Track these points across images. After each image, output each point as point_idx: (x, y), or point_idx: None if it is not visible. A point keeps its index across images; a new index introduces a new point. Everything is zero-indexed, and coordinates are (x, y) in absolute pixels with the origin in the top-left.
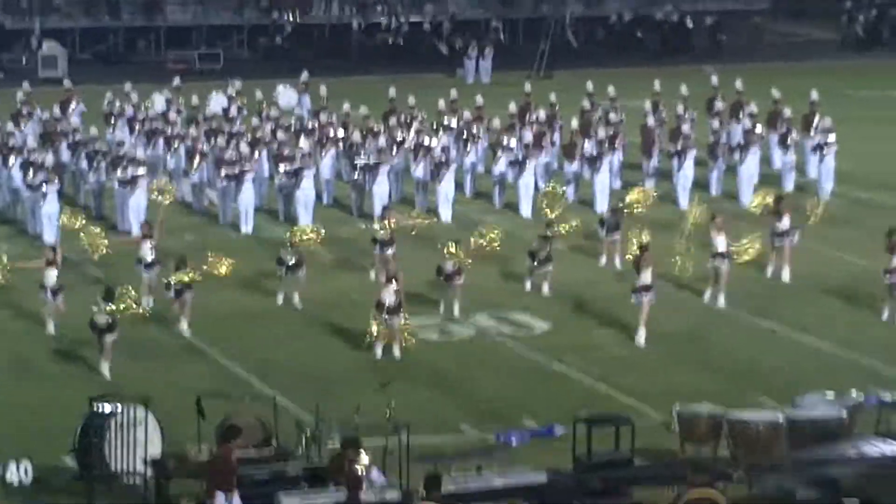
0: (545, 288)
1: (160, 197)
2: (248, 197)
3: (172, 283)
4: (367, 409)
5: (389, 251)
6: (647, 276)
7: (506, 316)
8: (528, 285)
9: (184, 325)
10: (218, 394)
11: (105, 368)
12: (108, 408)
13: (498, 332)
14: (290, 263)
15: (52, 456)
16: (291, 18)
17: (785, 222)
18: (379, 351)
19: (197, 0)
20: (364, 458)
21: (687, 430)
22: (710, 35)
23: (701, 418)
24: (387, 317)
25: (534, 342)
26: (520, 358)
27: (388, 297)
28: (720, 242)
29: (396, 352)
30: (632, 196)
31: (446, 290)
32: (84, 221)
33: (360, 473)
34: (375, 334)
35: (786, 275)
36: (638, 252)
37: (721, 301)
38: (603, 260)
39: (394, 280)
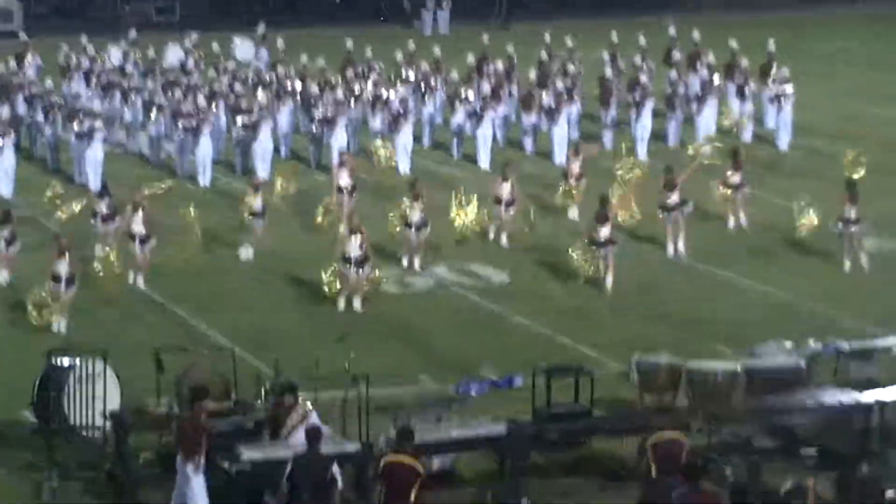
0: (503, 239)
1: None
2: (205, 149)
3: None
4: (325, 361)
5: (351, 201)
6: (607, 230)
7: (464, 267)
8: (491, 233)
9: (139, 279)
10: (176, 347)
11: (62, 324)
12: (66, 361)
13: (457, 283)
14: (258, 212)
15: (11, 410)
16: None
17: (737, 175)
18: (342, 303)
19: None
20: (305, 405)
21: (646, 381)
22: None
23: (660, 368)
24: (354, 269)
25: (493, 293)
26: (479, 309)
27: (353, 249)
28: (672, 195)
29: (357, 304)
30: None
31: (409, 241)
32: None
33: (312, 422)
34: (339, 286)
35: (743, 220)
36: (600, 204)
37: (681, 248)
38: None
39: (359, 232)
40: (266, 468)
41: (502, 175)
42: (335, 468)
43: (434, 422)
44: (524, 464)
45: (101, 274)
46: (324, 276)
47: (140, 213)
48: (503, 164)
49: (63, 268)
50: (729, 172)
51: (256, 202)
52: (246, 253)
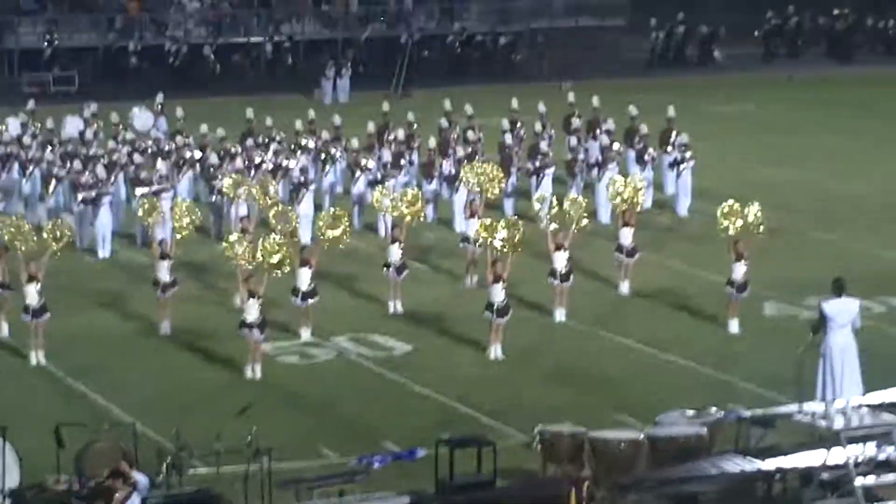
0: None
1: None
2: (105, 220)
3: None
4: (227, 434)
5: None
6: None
7: (365, 338)
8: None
9: (39, 355)
10: (76, 422)
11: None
12: None
13: (359, 353)
14: (167, 282)
15: None
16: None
17: (627, 236)
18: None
19: (50, 21)
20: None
21: (549, 450)
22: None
23: (563, 438)
24: (255, 333)
25: (394, 363)
26: (381, 379)
27: (252, 314)
28: (559, 258)
29: (256, 373)
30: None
31: (300, 311)
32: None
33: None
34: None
35: (624, 288)
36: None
37: (562, 315)
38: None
39: (257, 296)
40: None
41: (391, 238)
42: None
43: (337, 496)
44: None
45: None
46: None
47: (34, 285)
48: (392, 226)
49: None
50: (624, 237)
51: (163, 272)
52: (164, 328)
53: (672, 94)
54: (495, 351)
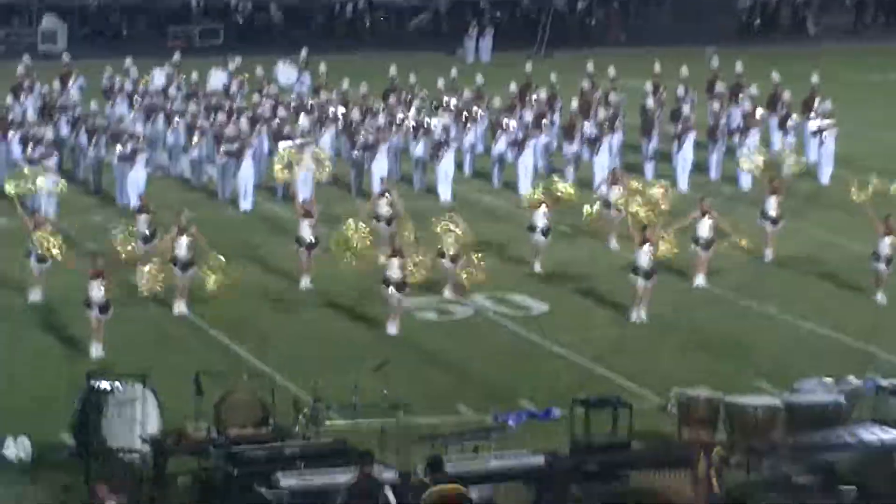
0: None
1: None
2: (247, 173)
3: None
4: (364, 388)
5: (391, 225)
6: (646, 259)
7: (504, 297)
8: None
9: (181, 305)
10: (216, 371)
11: (97, 348)
12: (105, 384)
13: (496, 311)
14: (310, 242)
15: (51, 433)
16: None
17: (774, 204)
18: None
19: None
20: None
21: (685, 415)
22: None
23: (699, 402)
24: (394, 292)
25: (532, 323)
26: (518, 339)
27: (394, 273)
28: (704, 226)
29: (393, 329)
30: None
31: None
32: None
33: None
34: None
35: (768, 255)
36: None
37: (701, 280)
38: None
39: (399, 255)
40: (303, 496)
41: (537, 202)
42: (388, 493)
43: (472, 453)
44: (563, 496)
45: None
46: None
47: (184, 238)
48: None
49: (96, 293)
50: (769, 204)
51: (306, 231)
52: (304, 283)
53: (816, 61)
54: (638, 313)
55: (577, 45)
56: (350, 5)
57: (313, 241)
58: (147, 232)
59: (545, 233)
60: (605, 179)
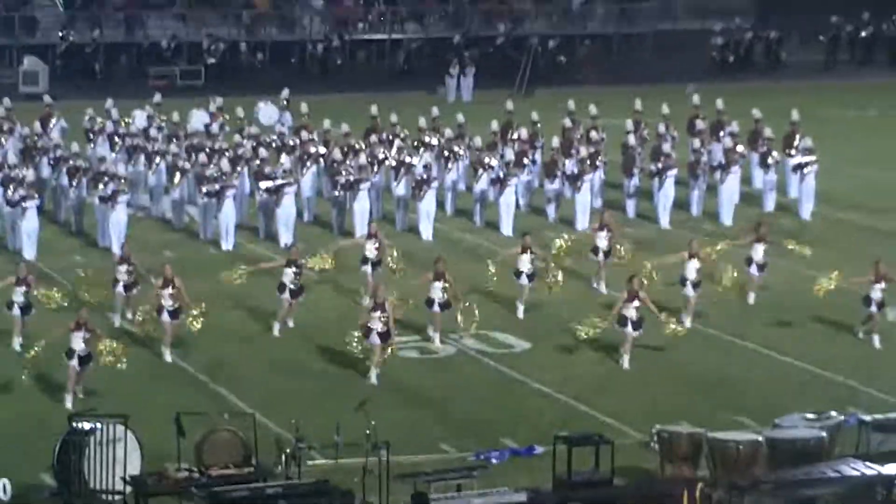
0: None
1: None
2: (228, 213)
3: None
4: (346, 427)
5: (377, 271)
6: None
7: (486, 335)
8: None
9: (166, 352)
10: (197, 411)
11: (69, 400)
12: (87, 425)
13: (478, 350)
14: (294, 288)
15: (31, 473)
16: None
17: (760, 252)
18: (373, 376)
19: (178, 17)
20: None
21: (667, 451)
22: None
23: (681, 438)
24: (376, 343)
25: (514, 361)
26: (500, 376)
27: (376, 324)
28: (691, 269)
29: (373, 377)
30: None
31: (433, 316)
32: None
33: None
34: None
35: (751, 298)
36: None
37: (687, 322)
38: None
39: (382, 307)
40: None
41: (521, 246)
42: None
43: (455, 491)
44: None
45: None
46: (351, 344)
47: (170, 288)
48: (522, 234)
49: (78, 344)
50: (757, 252)
51: (289, 278)
52: (290, 324)
53: (796, 98)
54: (625, 362)
55: (558, 83)
56: (321, 45)
57: (296, 289)
58: (126, 282)
59: (530, 278)
60: (592, 224)
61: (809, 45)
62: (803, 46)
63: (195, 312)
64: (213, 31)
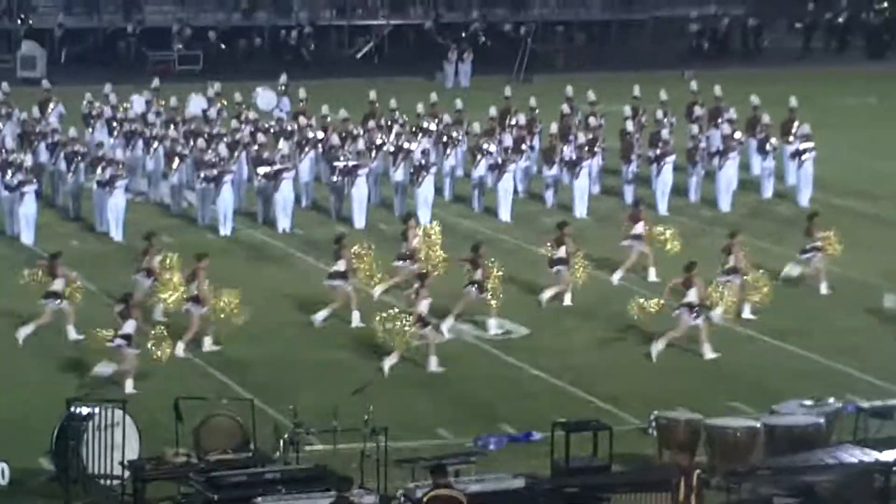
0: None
1: None
2: (226, 199)
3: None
4: (344, 412)
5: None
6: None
7: (484, 321)
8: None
9: (179, 346)
10: (196, 396)
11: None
12: (85, 410)
13: (477, 336)
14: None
15: (29, 457)
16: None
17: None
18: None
19: (176, 1)
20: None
21: (665, 437)
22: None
23: (679, 425)
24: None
25: (512, 347)
26: (498, 362)
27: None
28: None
29: (433, 366)
30: None
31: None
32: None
33: None
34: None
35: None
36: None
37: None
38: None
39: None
40: None
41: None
42: None
43: (453, 476)
44: None
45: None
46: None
47: (195, 282)
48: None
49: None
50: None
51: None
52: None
53: (794, 85)
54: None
55: (557, 69)
56: (294, 31)
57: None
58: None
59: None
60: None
61: (783, 32)
62: (778, 33)
63: (229, 303)
64: (208, 16)
